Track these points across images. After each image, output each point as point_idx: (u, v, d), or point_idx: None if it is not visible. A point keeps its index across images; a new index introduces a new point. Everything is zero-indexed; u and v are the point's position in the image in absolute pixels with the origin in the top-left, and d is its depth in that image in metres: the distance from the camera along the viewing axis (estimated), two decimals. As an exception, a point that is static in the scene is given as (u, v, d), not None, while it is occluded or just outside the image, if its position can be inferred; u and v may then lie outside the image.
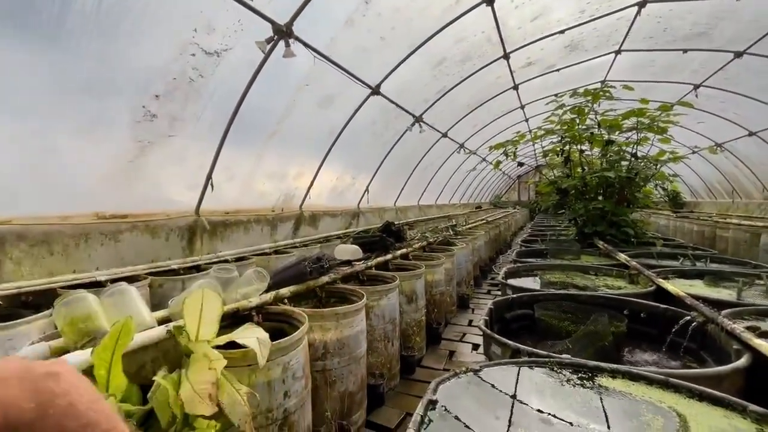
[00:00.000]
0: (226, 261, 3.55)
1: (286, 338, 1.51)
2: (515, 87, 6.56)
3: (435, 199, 10.15)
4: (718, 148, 8.59)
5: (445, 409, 1.35)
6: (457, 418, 1.30)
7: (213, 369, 1.12)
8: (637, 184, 6.50)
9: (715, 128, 8.06)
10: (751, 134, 7.36)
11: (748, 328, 1.94)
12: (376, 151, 6.09)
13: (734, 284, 3.21)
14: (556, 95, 6.82)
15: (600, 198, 6.46)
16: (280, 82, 3.63)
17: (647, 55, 5.92)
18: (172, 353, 1.62)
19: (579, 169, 6.94)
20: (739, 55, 5.25)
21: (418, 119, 5.77)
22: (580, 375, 1.68)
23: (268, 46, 2.98)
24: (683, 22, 4.84)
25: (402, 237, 3.77)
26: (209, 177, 3.57)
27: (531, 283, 3.81)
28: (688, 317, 2.28)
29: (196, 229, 3.67)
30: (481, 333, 2.28)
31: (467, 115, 7.01)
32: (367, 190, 6.38)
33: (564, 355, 1.82)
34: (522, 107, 7.83)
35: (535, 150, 9.81)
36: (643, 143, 6.59)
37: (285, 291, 2.03)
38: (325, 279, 2.33)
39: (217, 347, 1.42)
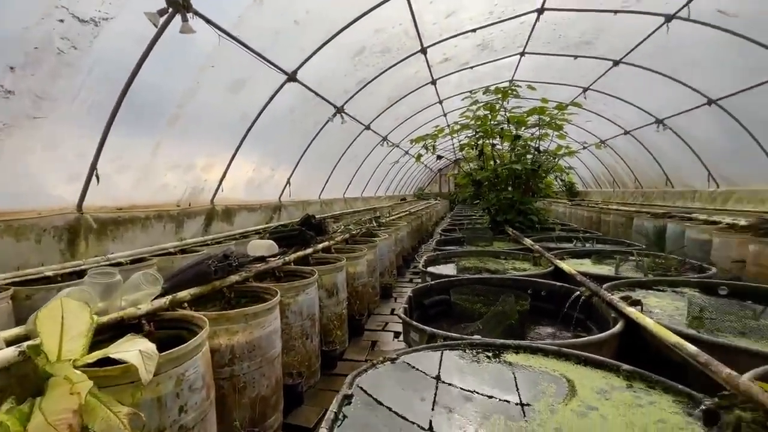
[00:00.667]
0: (119, 264, 3.11)
1: (179, 347, 1.34)
2: (433, 82, 6.79)
3: (361, 192, 10.16)
4: (602, 145, 9.92)
5: (368, 399, 1.31)
6: (380, 405, 1.28)
7: (76, 394, 0.93)
8: (540, 176, 7.21)
9: (600, 127, 9.29)
10: (626, 133, 8.61)
11: (623, 298, 2.23)
12: (296, 141, 5.85)
13: (613, 261, 3.71)
14: (470, 92, 7.23)
15: (510, 189, 7.05)
16: (179, 61, 3.25)
17: (546, 59, 6.54)
18: (32, 379, 1.35)
19: (491, 162, 7.49)
20: (616, 63, 6.07)
21: (340, 110, 5.67)
22: (489, 353, 1.77)
23: (162, 19, 2.63)
24: (574, 31, 5.42)
25: (323, 230, 3.67)
26: (93, 167, 3.07)
27: (449, 269, 3.99)
28: (578, 292, 2.56)
29: (78, 229, 3.14)
30: (401, 321, 2.31)
31: (389, 108, 7.09)
32: (288, 182, 6.11)
33: (475, 336, 1.91)
34: (440, 102, 8.15)
35: (453, 144, 10.34)
36: (544, 138, 7.32)
37: (184, 294, 1.82)
38: (234, 278, 2.14)
39: (89, 366, 1.20)
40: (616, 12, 4.60)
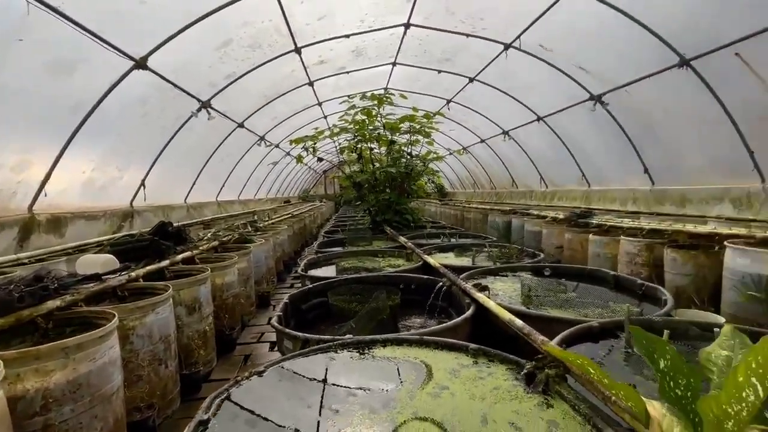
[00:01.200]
0: None
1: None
2: (311, 83, 6.73)
3: (238, 195, 9.43)
4: (464, 151, 11.27)
5: (233, 419, 1.19)
6: (246, 423, 1.17)
7: None
8: (413, 178, 7.82)
9: (462, 135, 10.55)
10: (482, 141, 9.98)
11: (474, 285, 2.55)
12: (152, 137, 5.08)
13: (471, 253, 4.23)
14: (348, 96, 7.41)
15: (387, 190, 7.46)
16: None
17: (416, 71, 7.12)
18: None
19: (370, 165, 7.81)
20: (471, 80, 6.97)
21: (206, 104, 5.15)
22: (360, 350, 1.81)
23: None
24: (436, 48, 6.03)
25: (184, 238, 3.25)
26: None
27: (330, 271, 4.00)
28: (440, 283, 2.84)
29: None
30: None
31: (265, 106, 6.75)
32: (143, 184, 5.27)
33: (347, 336, 1.93)
34: (320, 104, 8.12)
35: (337, 146, 10.42)
36: (416, 144, 7.98)
37: (-30, 331, 1.38)
38: (53, 304, 1.72)
39: None
40: (468, 35, 5.28)
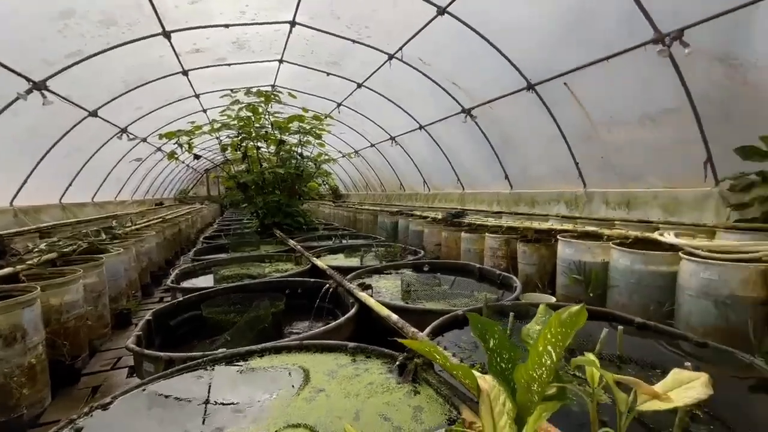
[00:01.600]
0: None
1: None
2: (185, 72, 6.04)
3: (92, 196, 7.90)
4: (356, 154, 11.53)
5: None
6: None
7: None
8: (304, 180, 7.67)
9: (354, 139, 10.77)
10: (372, 145, 10.35)
11: (359, 285, 2.61)
12: (-45, 123, 3.92)
13: (360, 253, 4.34)
14: (231, 90, 6.87)
15: (277, 192, 7.16)
16: None
17: (305, 70, 6.99)
18: None
19: (258, 165, 7.39)
20: (359, 86, 7.16)
21: (40, 86, 4.18)
22: (235, 363, 1.68)
23: None
24: (323, 49, 6.03)
25: (3, 251, 2.56)
26: None
27: (208, 281, 3.64)
28: (327, 285, 2.84)
29: None
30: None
31: (126, 93, 5.80)
32: (-60, 183, 4.02)
33: (220, 350, 1.78)
34: (197, 96, 7.36)
35: (219, 142, 9.57)
36: (307, 145, 7.85)
37: None
38: None
39: None
40: (354, 41, 5.41)
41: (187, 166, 14.15)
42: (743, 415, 1.34)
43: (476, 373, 0.81)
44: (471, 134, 6.21)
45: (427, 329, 1.87)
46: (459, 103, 5.93)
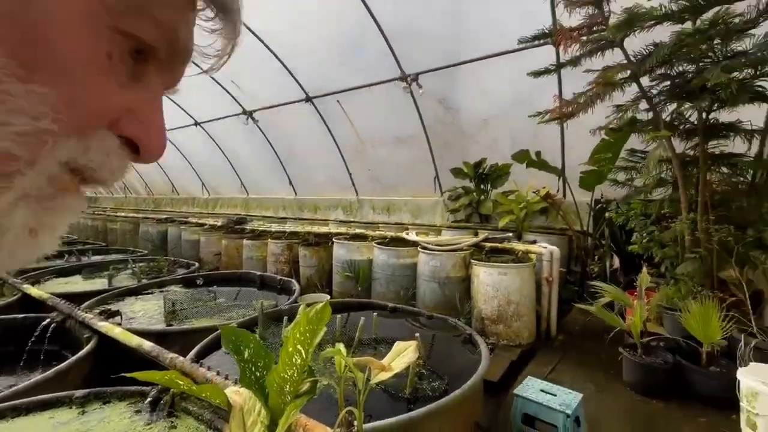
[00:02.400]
0: None
1: None
2: None
3: None
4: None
5: None
6: None
7: None
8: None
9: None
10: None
11: (101, 313, 2.07)
12: None
13: (110, 272, 3.46)
14: None
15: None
16: None
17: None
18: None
19: None
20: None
21: None
22: None
23: None
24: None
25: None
26: None
27: None
28: (48, 319, 2.12)
29: None
30: None
31: None
32: None
33: None
34: None
35: None
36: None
37: None
38: None
39: None
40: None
41: None
42: (452, 364, 1.83)
43: (231, 389, 0.77)
44: (255, 138, 6.04)
45: (192, 352, 1.67)
46: (239, 104, 5.66)
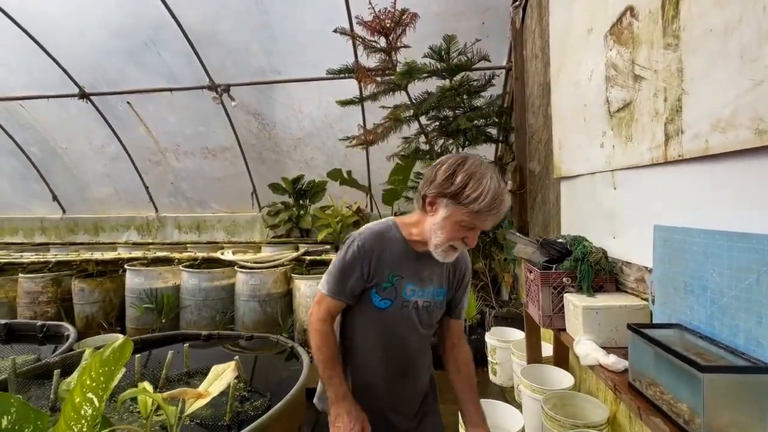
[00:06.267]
0: None
1: None
2: None
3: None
4: None
5: None
6: None
7: None
8: None
9: None
10: None
11: None
12: None
13: None
14: None
15: None
16: None
17: None
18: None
19: None
20: None
21: None
22: None
23: None
24: None
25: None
26: None
27: None
28: None
29: None
30: None
31: None
32: None
33: None
34: None
35: None
36: None
37: None
38: None
39: None
40: None
41: None
42: (275, 380, 1.83)
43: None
44: (-11, 137, 4.42)
45: None
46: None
